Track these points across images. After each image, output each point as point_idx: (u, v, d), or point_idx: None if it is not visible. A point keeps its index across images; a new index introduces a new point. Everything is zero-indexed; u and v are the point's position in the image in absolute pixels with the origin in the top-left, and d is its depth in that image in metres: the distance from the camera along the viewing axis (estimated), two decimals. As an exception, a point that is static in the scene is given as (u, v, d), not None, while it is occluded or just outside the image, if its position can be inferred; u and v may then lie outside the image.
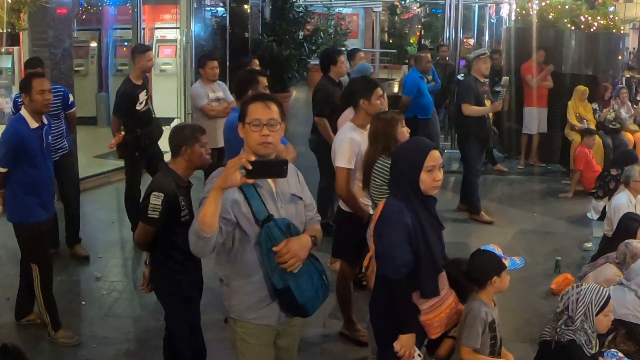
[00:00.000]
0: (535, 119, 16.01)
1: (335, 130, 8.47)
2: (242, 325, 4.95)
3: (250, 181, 4.40)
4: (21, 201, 7.51)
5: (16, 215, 7.61)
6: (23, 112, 7.54)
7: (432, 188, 5.04)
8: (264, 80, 7.96)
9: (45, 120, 7.70)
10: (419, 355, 5.30)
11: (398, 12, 39.13)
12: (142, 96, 10.18)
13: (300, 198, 5.11)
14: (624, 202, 9.83)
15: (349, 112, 8.19)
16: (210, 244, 4.42)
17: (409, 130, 7.10)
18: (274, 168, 4.52)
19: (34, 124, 7.48)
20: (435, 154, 5.06)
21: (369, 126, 7.25)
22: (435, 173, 5.02)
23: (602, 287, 5.84)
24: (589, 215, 12.81)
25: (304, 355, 7.47)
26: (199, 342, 6.67)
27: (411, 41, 35.71)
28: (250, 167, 4.28)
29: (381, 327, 5.42)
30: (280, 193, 4.89)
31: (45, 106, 7.61)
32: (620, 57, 17.72)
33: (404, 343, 5.14)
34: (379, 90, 7.68)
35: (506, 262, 5.59)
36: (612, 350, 6.19)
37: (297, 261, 4.74)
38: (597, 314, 5.62)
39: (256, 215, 4.71)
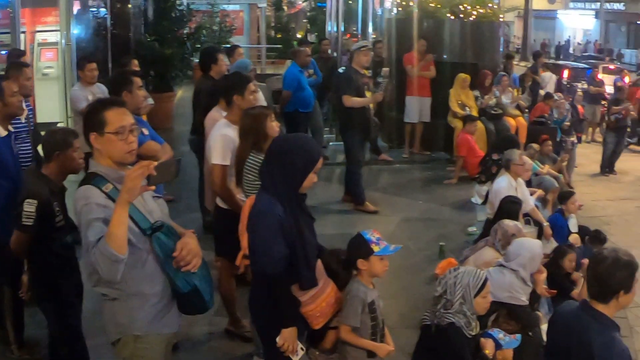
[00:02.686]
0: (416, 108, 16.17)
1: (203, 129, 8.39)
2: (145, 339, 4.74)
3: (153, 188, 4.26)
4: None
5: None
6: None
7: (309, 187, 5.16)
8: (138, 81, 7.80)
9: (11, 128, 7.21)
10: (302, 348, 5.29)
11: (283, 7, 39.18)
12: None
13: (159, 197, 5.00)
14: (504, 185, 9.94)
15: (215, 111, 8.17)
16: (122, 265, 4.23)
17: (279, 125, 7.12)
18: (171, 169, 4.38)
19: (3, 132, 6.95)
20: (322, 158, 5.25)
21: None
22: (315, 175, 5.15)
23: (479, 270, 5.91)
24: (473, 200, 12.97)
25: (191, 353, 7.47)
26: (82, 347, 6.50)
27: (299, 35, 35.72)
28: (155, 173, 4.14)
29: (263, 323, 5.39)
30: (145, 196, 4.70)
31: (19, 108, 7.23)
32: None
33: (287, 337, 5.14)
34: (252, 86, 7.69)
35: (375, 248, 5.56)
36: (494, 329, 6.26)
37: (198, 260, 4.63)
38: (475, 297, 5.67)
39: (141, 225, 4.54)
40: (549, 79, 20.77)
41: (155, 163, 4.15)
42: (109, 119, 4.52)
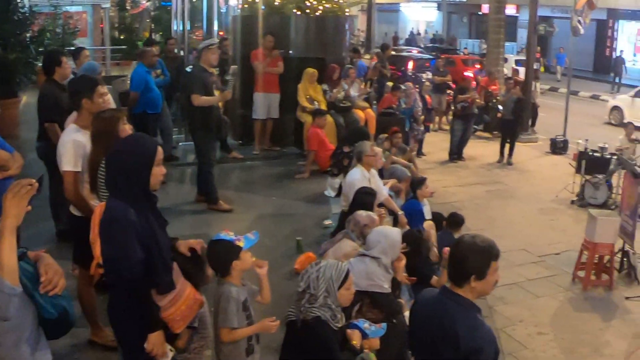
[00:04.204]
0: (263, 105, 16.14)
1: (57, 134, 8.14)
2: None
3: (29, 208, 4.00)
4: None
5: None
6: None
7: (159, 182, 5.16)
8: None
9: None
10: (171, 349, 5.26)
11: (127, 8, 38.58)
12: None
13: None
14: (358, 177, 10.04)
15: (74, 115, 7.86)
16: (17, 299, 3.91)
17: (131, 127, 7.00)
18: (42, 183, 4.15)
19: None
20: (159, 147, 5.15)
21: None
22: (161, 166, 5.08)
23: (340, 262, 5.95)
24: (326, 193, 13.10)
25: (55, 368, 7.16)
26: None
27: (145, 35, 35.27)
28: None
29: (124, 331, 5.28)
30: None
31: None
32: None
33: (155, 342, 5.07)
34: (101, 88, 7.53)
35: (240, 243, 5.68)
36: (360, 319, 6.30)
37: (64, 280, 4.36)
38: (338, 289, 5.67)
39: None
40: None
41: (34, 181, 3.92)
42: None
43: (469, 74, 28.53)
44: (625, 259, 11.85)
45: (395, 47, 37.06)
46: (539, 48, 41.58)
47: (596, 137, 19.13)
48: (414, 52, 39.05)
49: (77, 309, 7.36)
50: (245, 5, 18.07)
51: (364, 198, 8.98)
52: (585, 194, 15.72)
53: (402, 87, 18.17)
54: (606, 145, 16.56)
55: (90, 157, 6.88)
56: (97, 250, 5.45)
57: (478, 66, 32.94)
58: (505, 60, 31.54)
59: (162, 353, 5.11)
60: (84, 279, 7.43)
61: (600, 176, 15.65)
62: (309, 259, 9.31)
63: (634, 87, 30.11)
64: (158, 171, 5.04)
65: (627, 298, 10.93)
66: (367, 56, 22.99)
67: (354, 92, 16.46)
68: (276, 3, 16.91)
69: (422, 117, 19.05)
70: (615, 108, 29.43)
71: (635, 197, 12.05)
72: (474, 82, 22.87)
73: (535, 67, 27.31)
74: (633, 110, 28.27)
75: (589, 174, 15.84)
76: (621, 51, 45.39)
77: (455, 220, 10.71)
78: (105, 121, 6.80)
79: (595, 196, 15.56)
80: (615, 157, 15.90)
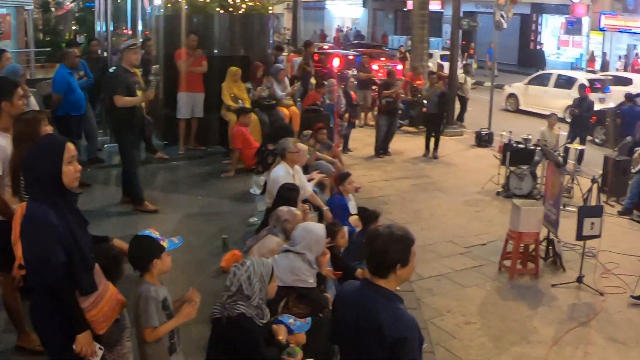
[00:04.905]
0: (187, 104, 16.14)
1: None
2: None
3: None
4: None
5: None
6: None
7: (75, 179, 5.07)
8: None
9: None
10: (100, 348, 5.22)
11: (52, 9, 38.06)
12: None
13: None
14: (282, 173, 10.06)
15: None
16: None
17: (52, 129, 6.93)
18: None
19: None
20: (70, 145, 5.08)
21: None
22: (74, 164, 5.00)
23: (263, 259, 6.07)
24: (251, 191, 13.12)
25: (-17, 375, 7.10)
26: None
27: (67, 37, 34.79)
28: None
29: (49, 334, 5.21)
30: None
31: None
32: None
33: (83, 342, 5.04)
34: (20, 90, 7.43)
35: (164, 244, 5.64)
36: (285, 315, 6.33)
37: None
38: (269, 283, 5.80)
39: None
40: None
41: None
42: None
43: (375, 67, 29.01)
44: (550, 247, 11.97)
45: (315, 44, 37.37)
46: (472, 44, 42.30)
47: (520, 129, 19.34)
48: (326, 48, 39.49)
49: (3, 315, 7.31)
50: (169, 5, 17.95)
51: (288, 194, 9.00)
52: (510, 185, 15.91)
53: (325, 83, 18.19)
54: (530, 137, 16.75)
55: (11, 159, 6.77)
56: (18, 251, 5.37)
57: (383, 59, 33.39)
58: (431, 55, 31.90)
59: (92, 352, 5.08)
60: (8, 284, 7.32)
61: (525, 167, 15.87)
62: (235, 256, 9.33)
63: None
64: (71, 169, 4.98)
65: (553, 285, 11.05)
66: (285, 54, 23.10)
67: (280, 90, 16.49)
68: (199, 2, 16.84)
69: (347, 114, 19.10)
70: (511, 95, 31.03)
71: (558, 187, 12.21)
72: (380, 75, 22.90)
73: (468, 62, 27.77)
74: (527, 97, 30.01)
75: (513, 165, 16.03)
76: (541, 44, 46.16)
77: (367, 216, 10.46)
78: (26, 123, 6.77)
79: (520, 187, 15.76)
80: (539, 148, 16.11)
